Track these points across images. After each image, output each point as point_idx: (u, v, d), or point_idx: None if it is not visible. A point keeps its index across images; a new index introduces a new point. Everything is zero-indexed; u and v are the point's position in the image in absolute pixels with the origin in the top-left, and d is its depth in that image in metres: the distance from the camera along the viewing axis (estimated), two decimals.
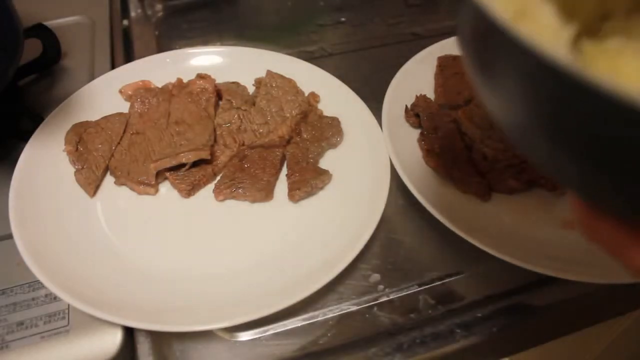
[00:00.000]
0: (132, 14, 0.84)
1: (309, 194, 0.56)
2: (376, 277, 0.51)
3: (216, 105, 0.63)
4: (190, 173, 0.57)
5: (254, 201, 0.55)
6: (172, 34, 0.83)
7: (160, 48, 0.77)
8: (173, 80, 0.65)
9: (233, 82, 0.66)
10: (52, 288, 0.44)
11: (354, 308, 0.49)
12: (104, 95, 0.63)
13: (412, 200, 0.52)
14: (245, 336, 0.47)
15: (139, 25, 0.82)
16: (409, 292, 0.50)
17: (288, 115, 0.62)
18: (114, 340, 0.44)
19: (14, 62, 0.54)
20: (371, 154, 0.57)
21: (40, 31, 0.67)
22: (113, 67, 0.70)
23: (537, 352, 0.55)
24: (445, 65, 0.68)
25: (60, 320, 0.45)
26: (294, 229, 0.53)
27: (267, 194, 0.55)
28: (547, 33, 0.21)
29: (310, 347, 0.46)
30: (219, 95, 0.65)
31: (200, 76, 0.64)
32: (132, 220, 0.53)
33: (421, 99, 0.63)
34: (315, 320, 0.48)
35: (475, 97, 0.64)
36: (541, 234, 0.53)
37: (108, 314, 0.43)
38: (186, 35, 0.82)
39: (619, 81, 0.15)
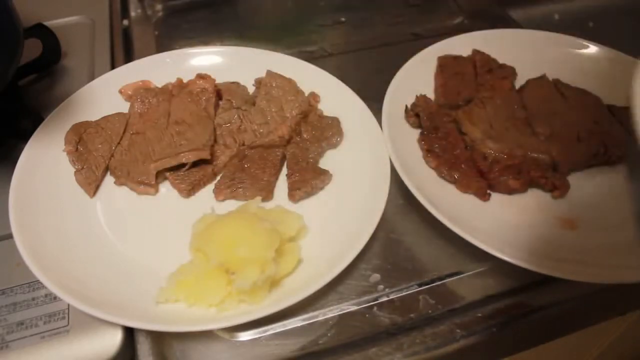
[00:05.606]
0: (132, 14, 0.84)
1: (309, 194, 0.56)
2: (376, 277, 0.51)
3: (216, 105, 0.63)
4: (190, 173, 0.56)
5: None
6: (172, 34, 0.83)
7: (160, 48, 0.77)
8: (173, 80, 0.65)
9: (233, 82, 0.66)
10: (52, 288, 0.44)
11: (354, 308, 0.49)
12: (104, 95, 0.63)
13: (412, 200, 0.52)
14: (245, 336, 0.47)
15: (139, 25, 0.82)
16: (409, 292, 0.50)
17: (288, 115, 0.62)
18: (114, 340, 0.44)
19: (14, 62, 0.54)
20: (371, 154, 0.57)
21: (40, 31, 0.67)
22: (113, 67, 0.70)
23: (537, 352, 0.55)
24: (445, 65, 0.68)
25: (60, 320, 0.45)
26: None
27: (267, 194, 0.55)
28: None
29: (310, 347, 0.46)
30: (219, 95, 0.65)
31: (200, 76, 0.64)
32: (132, 220, 0.53)
33: (421, 99, 0.63)
34: (315, 320, 0.48)
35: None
36: (541, 234, 0.53)
37: (108, 314, 0.43)
38: (186, 35, 0.82)
39: None
